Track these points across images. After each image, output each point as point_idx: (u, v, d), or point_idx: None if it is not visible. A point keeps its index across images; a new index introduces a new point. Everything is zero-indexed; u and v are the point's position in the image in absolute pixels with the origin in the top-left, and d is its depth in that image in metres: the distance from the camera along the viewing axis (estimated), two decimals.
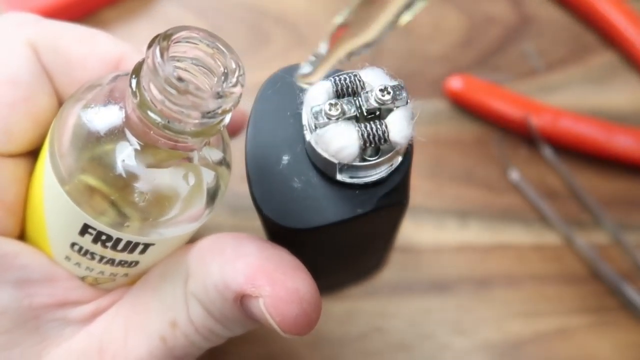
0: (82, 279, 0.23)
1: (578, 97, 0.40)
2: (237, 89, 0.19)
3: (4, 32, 0.23)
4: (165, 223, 0.21)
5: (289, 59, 0.39)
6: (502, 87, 0.39)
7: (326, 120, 0.19)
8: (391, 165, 0.20)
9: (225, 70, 0.19)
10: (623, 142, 0.37)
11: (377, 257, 0.31)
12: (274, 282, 0.19)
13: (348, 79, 0.20)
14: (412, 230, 0.35)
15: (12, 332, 0.22)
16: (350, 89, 0.20)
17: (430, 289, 0.34)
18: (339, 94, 0.20)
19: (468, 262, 0.35)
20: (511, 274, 0.35)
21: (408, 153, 0.21)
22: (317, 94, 0.20)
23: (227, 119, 0.20)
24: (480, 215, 0.36)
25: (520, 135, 0.38)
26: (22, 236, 0.24)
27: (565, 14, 0.42)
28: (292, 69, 0.22)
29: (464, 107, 0.39)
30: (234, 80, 0.19)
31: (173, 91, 0.18)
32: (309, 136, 0.20)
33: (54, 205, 0.22)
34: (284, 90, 0.21)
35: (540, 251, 0.36)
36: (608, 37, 0.41)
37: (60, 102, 0.24)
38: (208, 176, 0.21)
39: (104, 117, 0.21)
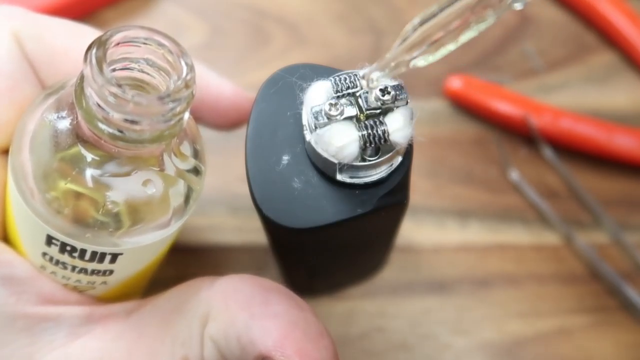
0: (63, 286, 0.23)
1: (578, 97, 0.40)
2: (185, 90, 0.18)
3: None
4: (128, 232, 0.21)
5: (289, 59, 0.39)
6: (502, 87, 0.39)
7: (326, 120, 0.19)
8: (391, 165, 0.20)
9: (176, 73, 0.19)
10: (623, 142, 0.37)
11: (377, 258, 0.31)
12: (302, 354, 0.20)
13: (348, 79, 0.20)
14: (412, 230, 0.35)
15: None
16: (350, 89, 0.20)
17: (430, 289, 0.34)
18: (339, 94, 0.20)
19: (468, 262, 0.35)
20: (511, 273, 0.35)
21: (408, 153, 0.21)
22: (317, 94, 0.20)
23: (185, 119, 0.19)
24: (480, 215, 0.36)
25: (520, 135, 0.38)
26: (5, 241, 0.24)
27: (565, 14, 0.42)
28: (292, 69, 0.22)
29: (463, 107, 0.39)
30: (181, 81, 0.18)
31: (112, 99, 0.17)
32: (309, 136, 0.20)
33: (20, 214, 0.21)
34: (284, 90, 0.21)
35: (540, 251, 0.36)
36: (608, 37, 0.42)
37: None
38: (174, 184, 0.21)
39: (61, 125, 0.20)
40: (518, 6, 0.16)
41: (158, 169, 0.20)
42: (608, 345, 0.34)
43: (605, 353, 0.34)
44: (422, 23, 0.17)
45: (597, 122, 0.38)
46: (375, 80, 0.19)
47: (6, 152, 0.23)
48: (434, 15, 0.17)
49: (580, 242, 0.36)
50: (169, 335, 0.21)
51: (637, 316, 0.34)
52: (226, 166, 0.32)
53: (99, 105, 0.18)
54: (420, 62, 0.18)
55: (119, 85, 0.18)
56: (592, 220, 0.37)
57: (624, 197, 0.38)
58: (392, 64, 0.18)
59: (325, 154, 0.20)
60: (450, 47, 0.17)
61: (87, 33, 0.24)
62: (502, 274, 0.35)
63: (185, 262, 0.32)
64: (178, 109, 0.18)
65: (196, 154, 0.22)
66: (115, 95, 0.17)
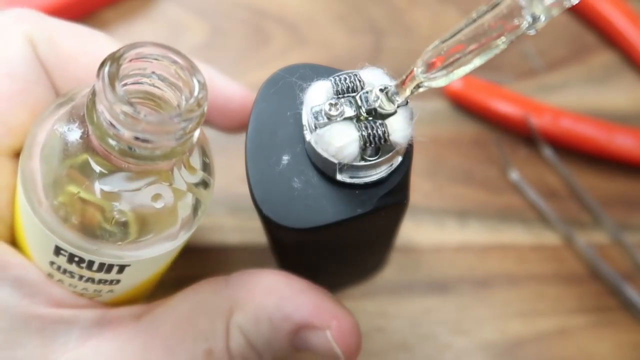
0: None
1: (578, 97, 0.40)
2: (197, 110, 0.18)
3: (3, 26, 0.23)
4: (136, 245, 0.21)
5: (289, 59, 0.39)
6: (502, 87, 0.39)
7: (326, 120, 0.19)
8: (391, 165, 0.20)
9: (187, 89, 0.19)
10: (623, 142, 0.37)
11: (377, 258, 0.31)
12: (337, 316, 0.22)
13: (348, 79, 0.20)
14: (412, 230, 0.35)
15: (13, 331, 0.22)
16: (350, 89, 0.20)
17: (430, 289, 0.34)
18: (339, 94, 0.20)
19: (468, 262, 0.35)
20: (511, 273, 0.35)
21: (408, 153, 0.21)
22: (317, 94, 0.20)
23: (195, 136, 0.19)
24: (480, 215, 0.36)
25: (520, 135, 0.38)
26: (14, 246, 0.24)
27: (566, 14, 0.42)
28: (292, 69, 0.22)
29: (463, 107, 0.39)
30: (193, 99, 0.18)
31: (123, 118, 0.17)
32: (309, 136, 0.20)
33: (28, 223, 0.21)
34: (284, 90, 0.21)
35: (540, 251, 0.36)
36: (608, 37, 0.42)
37: (57, 96, 0.24)
38: (183, 197, 0.21)
39: (71, 137, 0.20)
40: (531, 32, 0.17)
41: (167, 183, 0.20)
42: (608, 345, 0.34)
43: (605, 353, 0.34)
44: (441, 42, 0.18)
45: (597, 122, 0.38)
46: (394, 101, 0.19)
47: (18, 155, 0.23)
48: (451, 37, 0.18)
49: (580, 242, 0.36)
50: (189, 333, 0.22)
51: (637, 316, 0.34)
52: (227, 166, 0.32)
53: (110, 122, 0.18)
54: (437, 82, 0.18)
55: (131, 104, 0.17)
56: (592, 220, 0.37)
57: (624, 197, 0.38)
58: (411, 84, 0.19)
59: (325, 154, 0.20)
60: (466, 69, 0.18)
61: (100, 38, 0.24)
62: (502, 274, 0.35)
63: (186, 262, 0.32)
64: (189, 128, 0.18)
65: (205, 167, 0.22)
66: (126, 114, 0.17)
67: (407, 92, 0.19)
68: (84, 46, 0.24)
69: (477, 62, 0.18)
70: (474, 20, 0.17)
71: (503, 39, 0.17)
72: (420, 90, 0.19)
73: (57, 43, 0.23)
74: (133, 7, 0.39)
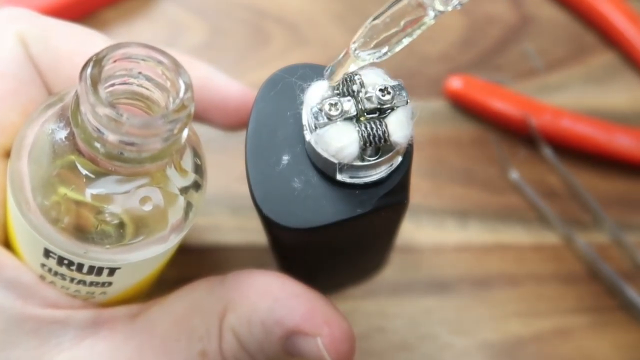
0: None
1: (578, 97, 0.40)
2: (183, 111, 0.18)
3: None
4: (125, 248, 0.20)
5: (289, 59, 0.39)
6: (502, 87, 0.39)
7: (326, 120, 0.19)
8: (391, 165, 0.20)
9: (174, 90, 0.18)
10: (623, 142, 0.37)
11: (377, 258, 0.31)
12: (330, 322, 0.22)
13: (348, 79, 0.20)
14: (412, 230, 0.35)
15: (7, 332, 0.22)
16: (350, 89, 0.20)
17: (430, 289, 0.34)
18: (339, 94, 0.20)
19: (468, 262, 0.35)
20: (511, 273, 0.35)
21: (408, 153, 0.21)
22: (317, 94, 0.20)
23: (184, 136, 0.19)
24: (480, 215, 0.36)
25: (520, 135, 0.38)
26: (7, 247, 0.23)
27: (565, 14, 0.42)
28: (292, 69, 0.22)
29: (463, 107, 0.39)
30: (179, 100, 0.18)
31: (106, 121, 0.17)
32: (309, 136, 0.20)
33: (18, 225, 0.21)
34: (284, 90, 0.21)
35: (539, 251, 0.36)
36: (608, 37, 0.42)
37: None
38: (173, 200, 0.21)
39: (58, 140, 0.19)
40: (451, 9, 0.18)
41: (157, 186, 0.20)
42: (607, 345, 0.34)
43: (604, 353, 0.34)
44: (374, 19, 0.19)
45: (597, 122, 0.38)
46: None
47: (9, 155, 0.23)
48: (381, 14, 0.19)
49: (580, 242, 0.36)
50: (184, 333, 0.22)
51: (636, 316, 0.34)
52: (226, 166, 0.32)
53: (94, 126, 0.18)
54: (366, 60, 0.19)
55: (113, 106, 0.17)
56: (592, 220, 0.37)
57: (624, 197, 0.38)
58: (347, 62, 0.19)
59: (325, 154, 0.20)
60: (397, 48, 0.19)
61: (95, 38, 0.24)
62: (502, 274, 0.35)
63: (186, 262, 0.32)
64: (176, 130, 0.18)
65: (197, 169, 0.21)
66: (109, 117, 0.17)
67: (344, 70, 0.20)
68: (78, 46, 0.24)
69: (406, 41, 0.19)
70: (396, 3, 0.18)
71: (425, 19, 0.18)
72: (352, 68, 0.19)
73: (50, 42, 0.23)
74: (133, 7, 0.39)
